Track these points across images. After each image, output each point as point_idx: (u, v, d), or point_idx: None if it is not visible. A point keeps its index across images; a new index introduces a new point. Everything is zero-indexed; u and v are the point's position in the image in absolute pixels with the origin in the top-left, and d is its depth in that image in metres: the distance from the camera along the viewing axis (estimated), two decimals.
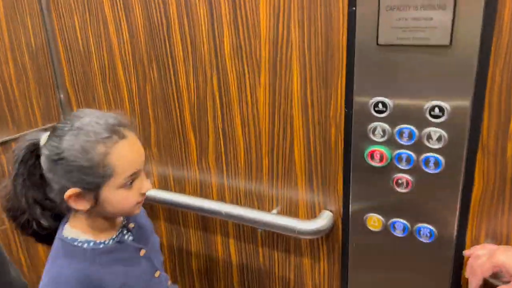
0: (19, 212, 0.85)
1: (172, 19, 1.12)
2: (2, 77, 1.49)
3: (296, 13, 0.95)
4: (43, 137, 0.83)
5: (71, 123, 0.79)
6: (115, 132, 0.79)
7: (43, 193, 0.84)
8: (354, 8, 0.87)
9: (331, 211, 1.06)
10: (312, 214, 1.10)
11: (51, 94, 1.41)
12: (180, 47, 1.14)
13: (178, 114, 1.22)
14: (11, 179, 0.84)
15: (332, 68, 0.95)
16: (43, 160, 0.80)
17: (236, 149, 1.16)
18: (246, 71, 1.07)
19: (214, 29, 1.07)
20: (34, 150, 0.82)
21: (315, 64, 0.96)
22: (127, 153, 0.80)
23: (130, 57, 1.22)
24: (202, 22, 1.08)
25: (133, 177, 0.82)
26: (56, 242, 0.85)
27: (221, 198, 1.24)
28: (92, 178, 0.78)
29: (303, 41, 0.96)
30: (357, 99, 0.92)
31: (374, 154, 0.92)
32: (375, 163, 0.92)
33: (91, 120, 0.79)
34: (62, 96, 1.38)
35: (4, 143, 1.25)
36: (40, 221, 0.86)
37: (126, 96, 1.28)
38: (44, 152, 0.80)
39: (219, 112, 1.15)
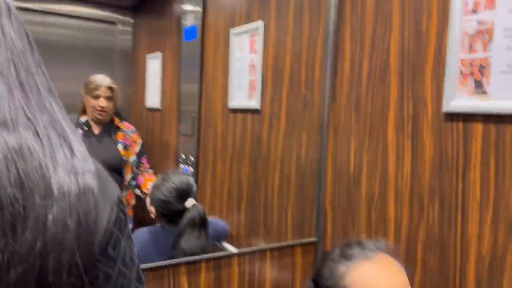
0: None
1: (473, 155, 0.95)
2: (266, 186, 1.59)
3: None
4: None
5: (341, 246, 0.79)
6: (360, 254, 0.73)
7: None
8: None
9: None
10: None
11: (308, 210, 1.40)
12: (478, 188, 0.94)
13: (458, 266, 0.98)
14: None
15: None
16: None
17: None
18: None
19: None
20: None
21: None
22: (370, 276, 0.69)
23: (408, 190, 1.10)
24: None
25: None
26: None
27: None
28: None
29: None
30: None
31: None
32: None
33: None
34: (319, 214, 1.35)
35: (245, 254, 1.24)
36: None
37: (392, 230, 1.14)
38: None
39: None
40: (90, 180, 0.41)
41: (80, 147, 0.42)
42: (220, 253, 1.18)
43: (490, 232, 0.93)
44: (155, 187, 1.37)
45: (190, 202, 1.32)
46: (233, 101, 1.79)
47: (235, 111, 1.78)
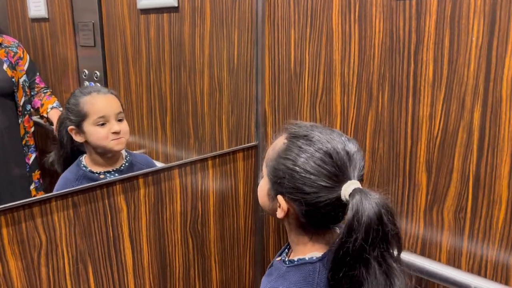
0: None
1: (427, 33, 0.91)
2: (194, 95, 1.44)
3: None
4: None
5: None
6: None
7: None
8: None
9: None
10: None
11: (244, 113, 1.30)
12: (431, 68, 0.92)
13: (409, 148, 0.98)
14: None
15: None
16: None
17: (493, 204, 0.88)
18: None
19: (491, 46, 0.83)
20: None
21: None
22: None
23: (355, 77, 1.04)
24: (473, 37, 0.85)
25: None
26: None
27: (453, 265, 0.96)
28: None
29: None
30: None
31: None
32: None
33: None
34: (257, 116, 1.26)
35: (186, 164, 1.13)
36: None
37: (338, 123, 1.10)
38: None
39: (475, 154, 0.89)
40: None
41: None
42: (159, 167, 1.04)
43: (442, 111, 0.92)
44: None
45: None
46: None
47: (146, 11, 1.53)
